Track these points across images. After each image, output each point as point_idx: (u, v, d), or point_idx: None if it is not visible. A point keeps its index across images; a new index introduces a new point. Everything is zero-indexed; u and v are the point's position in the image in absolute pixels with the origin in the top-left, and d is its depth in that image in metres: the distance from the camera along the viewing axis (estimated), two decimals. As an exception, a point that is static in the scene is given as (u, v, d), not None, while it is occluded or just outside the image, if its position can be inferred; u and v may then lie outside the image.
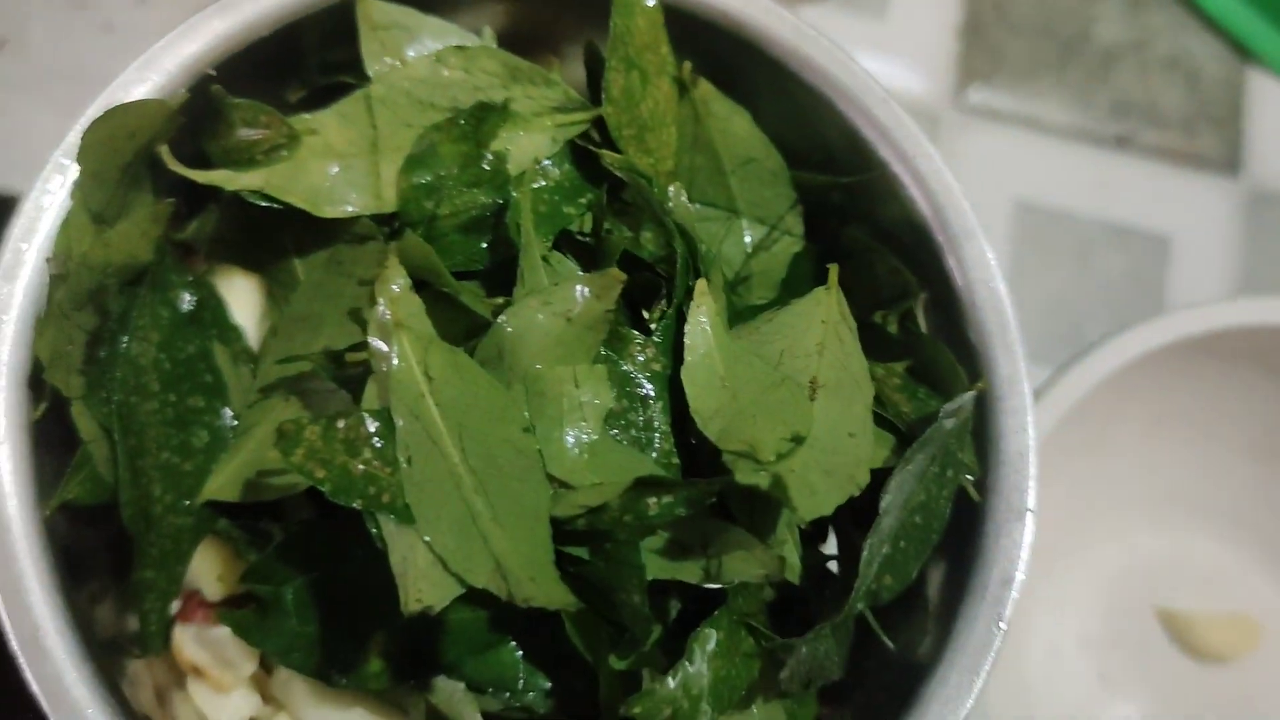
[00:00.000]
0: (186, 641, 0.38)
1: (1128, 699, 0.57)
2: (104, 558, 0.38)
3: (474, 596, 0.29)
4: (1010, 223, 0.64)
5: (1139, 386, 0.53)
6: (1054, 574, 0.58)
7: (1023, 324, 0.62)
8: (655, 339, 0.33)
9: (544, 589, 0.28)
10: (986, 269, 0.37)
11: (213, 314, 0.37)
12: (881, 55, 0.65)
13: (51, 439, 0.34)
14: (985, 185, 0.64)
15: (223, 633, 0.37)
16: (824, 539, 0.38)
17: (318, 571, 0.34)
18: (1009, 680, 0.56)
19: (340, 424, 0.30)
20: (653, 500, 0.29)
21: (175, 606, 0.37)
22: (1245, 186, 0.65)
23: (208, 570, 0.37)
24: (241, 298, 0.38)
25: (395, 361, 0.30)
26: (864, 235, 0.39)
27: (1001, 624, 0.35)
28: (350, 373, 0.34)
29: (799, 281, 0.38)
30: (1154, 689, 0.58)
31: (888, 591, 0.33)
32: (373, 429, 0.30)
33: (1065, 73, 0.66)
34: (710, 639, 0.31)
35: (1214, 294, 0.64)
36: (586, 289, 0.31)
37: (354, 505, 0.30)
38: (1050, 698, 0.57)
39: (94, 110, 0.35)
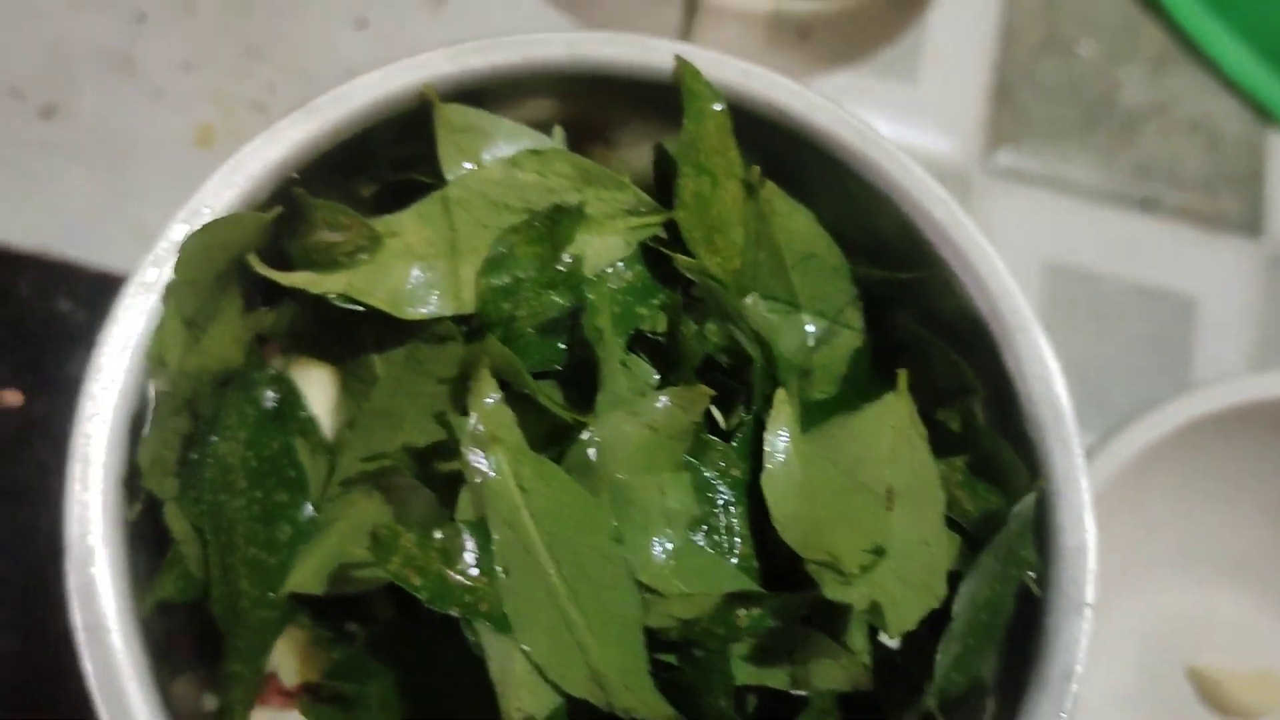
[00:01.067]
0: (263, 725, 0.39)
1: (1157, 756, 0.58)
2: (182, 642, 0.39)
3: (580, 702, 0.30)
4: (1039, 284, 0.65)
5: (1169, 456, 0.54)
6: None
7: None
8: (735, 445, 0.34)
9: (641, 699, 0.29)
10: (1042, 364, 0.38)
11: (292, 409, 0.38)
12: (912, 120, 0.67)
13: (144, 537, 0.35)
14: (1013, 248, 0.65)
15: (297, 718, 0.38)
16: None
17: (402, 670, 0.35)
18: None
19: (437, 535, 0.31)
20: (743, 612, 0.30)
21: (252, 690, 0.38)
22: (1267, 248, 0.67)
23: (286, 658, 0.38)
24: (316, 389, 0.39)
25: (491, 474, 0.31)
26: (921, 329, 0.40)
27: (1063, 715, 0.36)
28: (433, 473, 0.35)
29: (859, 376, 0.39)
30: (1183, 747, 0.59)
31: (955, 688, 0.34)
32: (469, 541, 0.31)
33: (1091, 136, 0.67)
34: (796, 741, 0.32)
35: (1238, 355, 0.65)
36: (672, 401, 0.32)
37: (451, 612, 0.31)
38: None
39: (182, 216, 0.36)
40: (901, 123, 0.67)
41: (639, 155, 0.43)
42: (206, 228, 0.33)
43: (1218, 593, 0.60)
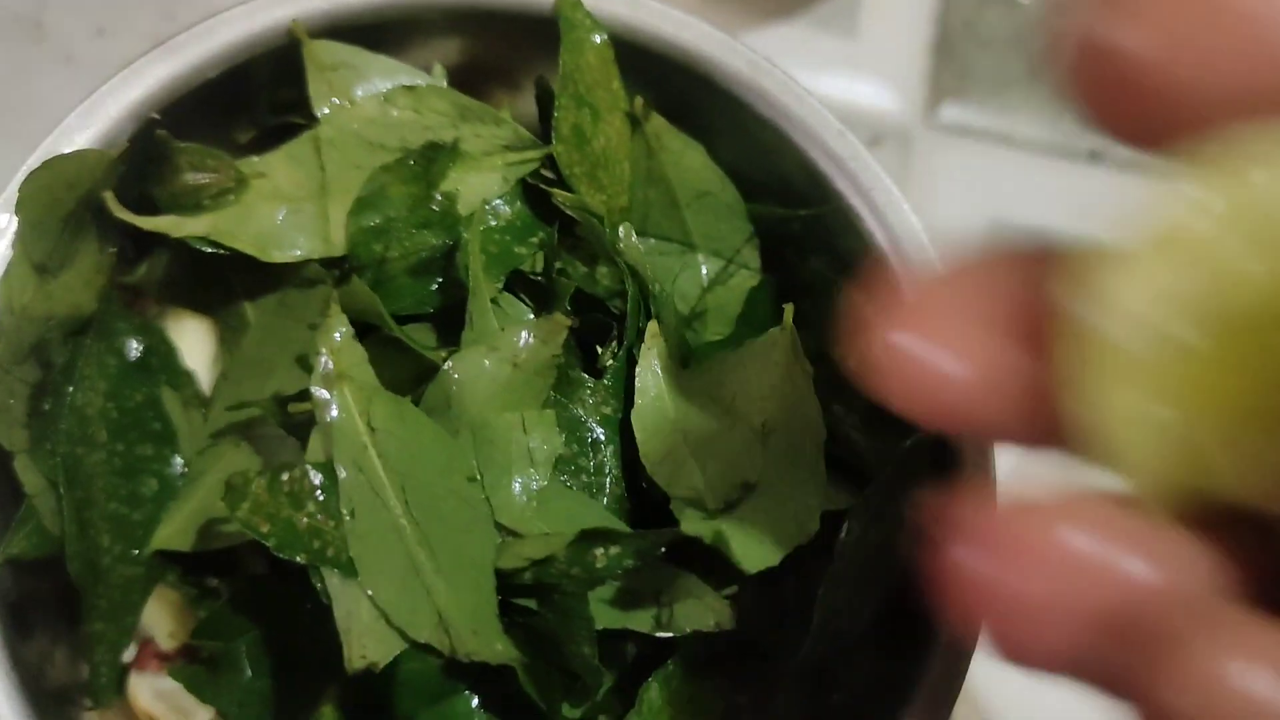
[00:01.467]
0: (142, 691, 0.38)
1: None
2: (52, 608, 0.37)
3: (424, 648, 0.29)
4: (984, 239, 0.63)
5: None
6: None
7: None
8: (606, 382, 0.32)
9: (487, 643, 0.28)
10: (945, 301, 0.36)
11: (162, 360, 0.36)
12: (853, 74, 0.65)
13: (-6, 494, 0.34)
14: (959, 203, 0.64)
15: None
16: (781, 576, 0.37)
17: (269, 625, 0.33)
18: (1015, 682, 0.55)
19: (284, 477, 0.29)
20: (600, 551, 0.29)
21: (131, 654, 0.37)
22: (1219, 199, 0.65)
23: (160, 621, 0.37)
24: (193, 341, 0.38)
25: (336, 413, 0.29)
26: (823, 268, 0.38)
27: (968, 653, 0.34)
28: (300, 419, 0.34)
29: (756, 316, 0.38)
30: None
31: (842, 636, 0.33)
32: (317, 482, 0.29)
33: (1035, 87, 0.65)
34: (661, 689, 0.31)
35: (1189, 308, 0.63)
36: (532, 334, 0.31)
37: (299, 560, 0.29)
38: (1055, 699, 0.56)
39: (34, 159, 0.34)
40: (841, 78, 0.65)
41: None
42: (46, 165, 0.32)
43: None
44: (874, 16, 0.66)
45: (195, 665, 0.35)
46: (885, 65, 0.65)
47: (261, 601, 0.34)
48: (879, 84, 0.65)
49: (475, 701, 0.34)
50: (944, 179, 0.64)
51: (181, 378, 0.37)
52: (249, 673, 0.34)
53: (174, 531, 0.35)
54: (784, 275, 0.40)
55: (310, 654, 0.34)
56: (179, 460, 0.36)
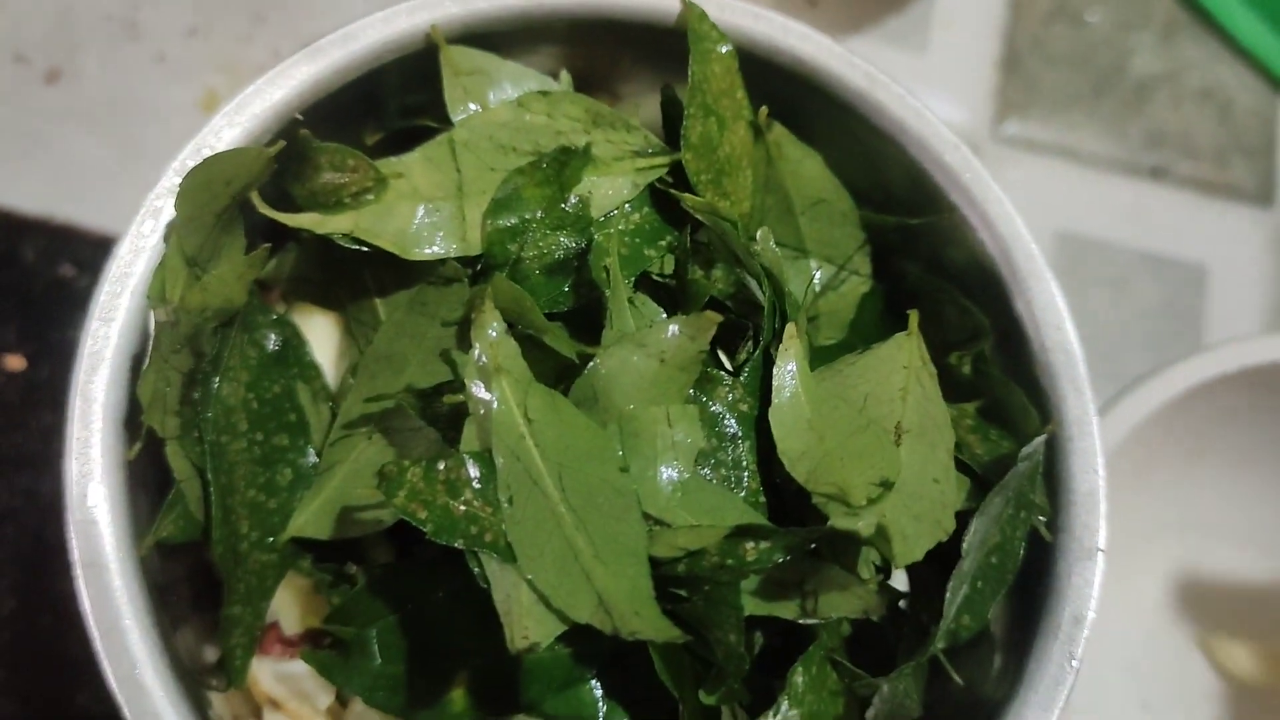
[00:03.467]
0: (264, 675, 0.39)
1: (1170, 727, 0.58)
2: (184, 590, 0.38)
3: (584, 629, 0.30)
4: (1050, 252, 0.65)
5: (1180, 420, 0.53)
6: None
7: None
8: (743, 379, 0.34)
9: (648, 622, 0.29)
10: (1056, 312, 0.38)
11: (295, 353, 0.37)
12: (922, 88, 0.66)
13: (144, 477, 0.35)
14: (1024, 216, 0.65)
15: (300, 666, 0.38)
16: (889, 574, 0.38)
17: (401, 612, 0.34)
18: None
19: (441, 466, 0.31)
20: (751, 545, 0.30)
21: (254, 639, 0.38)
22: (1278, 217, 0.66)
23: (287, 606, 0.38)
24: (319, 336, 0.39)
25: (496, 405, 0.31)
26: (933, 276, 0.40)
27: (1074, 661, 0.35)
28: (437, 411, 0.35)
29: (867, 322, 0.39)
30: (1197, 717, 0.58)
31: (965, 631, 0.34)
32: (473, 471, 0.30)
33: (1100, 104, 0.67)
34: (805, 675, 0.32)
35: (1249, 323, 0.64)
36: (680, 330, 0.32)
37: (456, 544, 0.30)
38: None
39: (186, 154, 0.35)
40: (910, 92, 0.66)
41: (646, 107, 0.43)
42: (207, 162, 0.33)
43: (1231, 563, 0.59)
44: (943, 32, 0.67)
45: (324, 650, 0.36)
46: (953, 80, 0.66)
47: (394, 590, 0.35)
48: (946, 98, 0.66)
49: (600, 690, 0.35)
50: (1010, 192, 0.65)
51: (311, 370, 0.38)
52: (379, 659, 0.35)
53: (309, 519, 0.36)
54: (891, 284, 0.41)
55: (440, 641, 0.35)
56: (312, 451, 0.37)
